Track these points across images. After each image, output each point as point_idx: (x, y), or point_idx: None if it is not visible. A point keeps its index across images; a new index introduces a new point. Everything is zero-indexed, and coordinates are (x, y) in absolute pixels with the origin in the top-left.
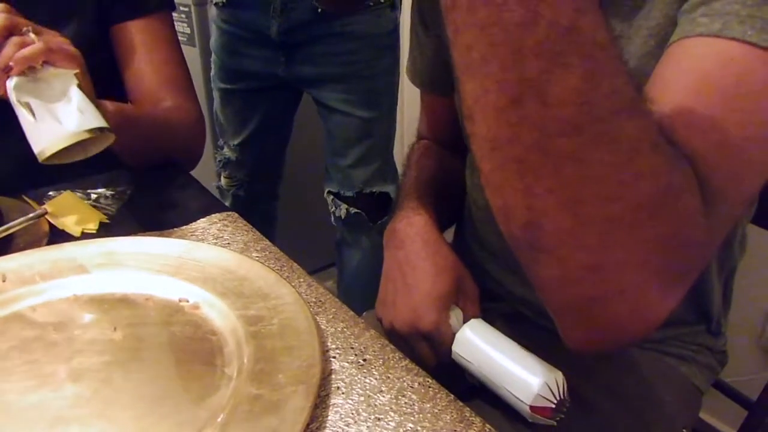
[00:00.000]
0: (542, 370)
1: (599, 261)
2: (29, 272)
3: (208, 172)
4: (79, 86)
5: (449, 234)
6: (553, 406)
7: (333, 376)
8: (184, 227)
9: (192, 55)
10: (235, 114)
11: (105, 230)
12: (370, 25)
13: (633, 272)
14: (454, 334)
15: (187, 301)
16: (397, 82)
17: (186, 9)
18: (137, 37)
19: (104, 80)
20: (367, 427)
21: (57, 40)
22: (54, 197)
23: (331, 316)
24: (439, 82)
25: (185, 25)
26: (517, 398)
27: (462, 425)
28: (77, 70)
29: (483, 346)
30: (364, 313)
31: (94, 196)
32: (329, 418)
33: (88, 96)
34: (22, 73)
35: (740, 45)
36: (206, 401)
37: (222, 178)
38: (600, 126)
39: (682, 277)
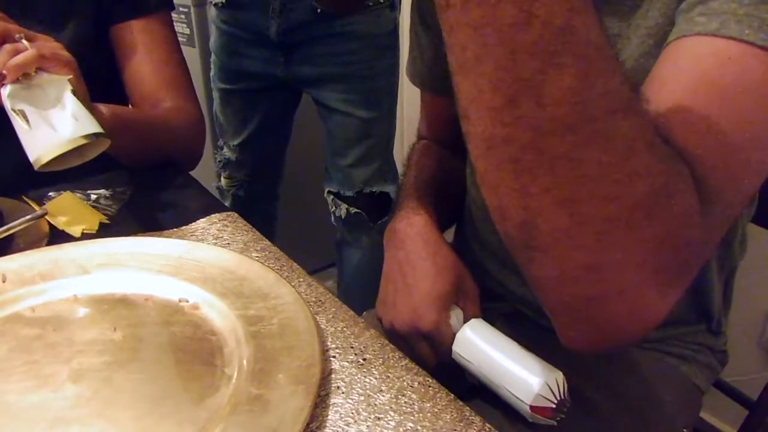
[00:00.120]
0: (542, 370)
1: (596, 261)
2: (29, 273)
3: (208, 173)
4: (74, 92)
5: (449, 234)
6: (554, 406)
7: (333, 376)
8: (184, 227)
9: (191, 55)
10: (235, 114)
11: (105, 231)
12: (369, 26)
13: (630, 272)
14: (454, 334)
15: (187, 302)
16: (397, 82)
17: (185, 10)
18: (137, 37)
19: (103, 81)
20: (367, 426)
21: (50, 45)
22: (54, 198)
23: (330, 316)
24: (439, 81)
25: (185, 25)
26: (518, 398)
27: (462, 425)
28: (71, 76)
29: (483, 346)
30: (364, 313)
31: (94, 196)
32: (329, 417)
33: (82, 101)
34: (16, 81)
35: (737, 44)
36: (206, 401)
37: (222, 178)
38: (595, 125)
39: (680, 277)
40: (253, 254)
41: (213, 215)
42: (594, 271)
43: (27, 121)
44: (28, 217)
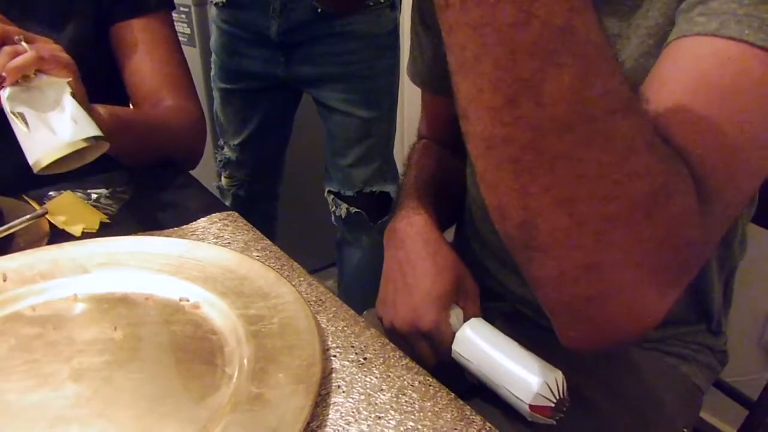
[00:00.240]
0: (542, 370)
1: (595, 260)
2: (30, 272)
3: (208, 172)
4: (73, 94)
5: (449, 233)
6: (553, 405)
7: (333, 375)
8: (185, 227)
9: (192, 55)
10: (236, 114)
11: (105, 230)
12: (369, 25)
13: (629, 271)
14: (454, 334)
15: (188, 301)
16: (397, 82)
17: (186, 9)
18: (137, 36)
19: (104, 81)
20: (368, 425)
21: (49, 47)
22: (54, 197)
23: (331, 315)
24: (440, 81)
25: (185, 25)
26: (517, 397)
27: (462, 424)
28: (70, 78)
29: (483, 345)
30: (365, 312)
31: (94, 196)
32: (330, 416)
33: (81, 103)
34: (15, 83)
35: (737, 44)
36: (207, 400)
37: (222, 177)
38: (594, 125)
39: (679, 277)
40: (253, 253)
41: (213, 214)
42: (593, 271)
43: (26, 123)
44: (28, 216)
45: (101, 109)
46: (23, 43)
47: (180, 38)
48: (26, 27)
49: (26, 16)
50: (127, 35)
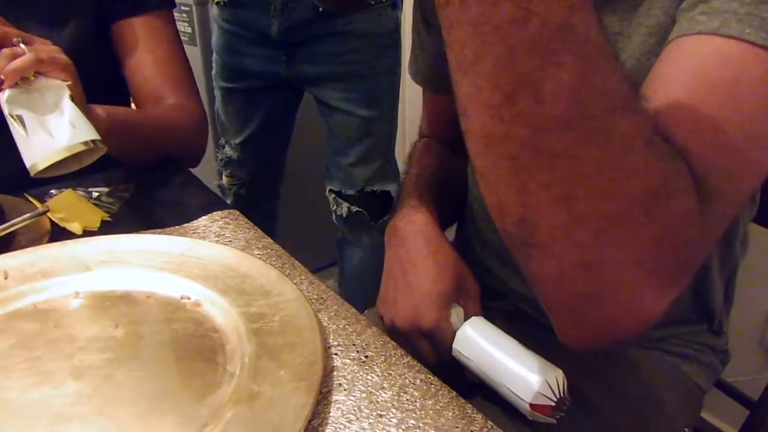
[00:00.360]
0: (542, 368)
1: (593, 258)
2: (31, 269)
3: (209, 171)
4: (72, 97)
5: (450, 232)
6: (553, 404)
7: (335, 373)
8: (186, 225)
9: (193, 54)
10: (237, 113)
11: (106, 228)
12: (371, 24)
13: (627, 270)
14: (454, 332)
15: (189, 299)
16: (399, 81)
17: (187, 8)
18: (138, 34)
19: (105, 79)
20: (369, 423)
21: (47, 49)
22: (56, 195)
23: (332, 314)
24: (441, 80)
25: (186, 24)
26: (517, 396)
27: (464, 422)
28: (69, 82)
29: (483, 344)
30: (366, 312)
31: (95, 194)
32: (331, 414)
33: (79, 105)
34: (14, 85)
35: (738, 43)
36: (208, 398)
37: (223, 176)
38: (593, 123)
39: (678, 276)
40: (254, 252)
41: (215, 213)
42: (591, 269)
43: (24, 126)
44: (29, 214)
45: (99, 110)
46: (22, 45)
47: (181, 37)
48: (26, 26)
49: (26, 16)
50: (128, 34)
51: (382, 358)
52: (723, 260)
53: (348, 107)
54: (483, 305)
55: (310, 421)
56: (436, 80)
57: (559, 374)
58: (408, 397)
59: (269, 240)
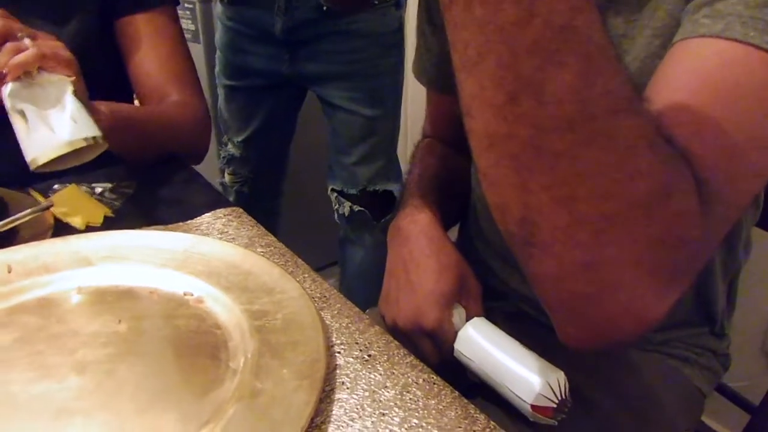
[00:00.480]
0: (544, 370)
1: (593, 258)
2: (34, 263)
3: (211, 169)
4: (74, 93)
5: (453, 232)
6: (555, 405)
7: (338, 371)
8: (189, 222)
9: (196, 51)
10: (240, 111)
11: (109, 224)
12: (375, 24)
13: (627, 270)
14: (456, 332)
15: (192, 295)
16: (402, 81)
17: (191, 6)
18: (141, 31)
19: (108, 76)
20: (372, 422)
21: (51, 44)
22: (59, 190)
23: (335, 312)
24: (445, 80)
25: (190, 21)
26: (519, 397)
27: (466, 422)
28: (73, 78)
29: (485, 345)
30: (367, 311)
31: (98, 190)
32: (334, 412)
33: (81, 100)
34: (17, 79)
35: (741, 46)
36: (210, 395)
37: (226, 174)
38: (595, 124)
39: (678, 277)
40: (258, 249)
41: (218, 210)
42: (592, 269)
43: (26, 121)
44: (33, 209)
45: (103, 106)
46: (26, 40)
47: (185, 34)
48: (30, 22)
49: (30, 12)
50: (131, 30)
51: (385, 357)
52: (725, 264)
53: (351, 106)
54: (485, 305)
55: (312, 419)
56: (441, 80)
57: (561, 375)
58: (411, 397)
59: (272, 238)
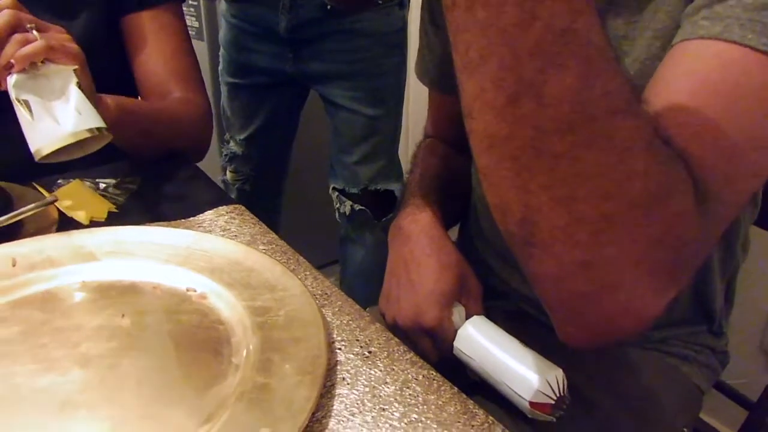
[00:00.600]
0: (542, 367)
1: (593, 258)
2: (39, 257)
3: (213, 167)
4: (78, 84)
5: (454, 232)
6: (553, 402)
7: (338, 367)
8: (192, 219)
9: (200, 49)
10: (242, 109)
11: (113, 219)
12: (378, 23)
13: (625, 270)
14: (456, 331)
15: (195, 291)
16: (404, 80)
17: (195, 3)
18: (147, 27)
19: (114, 72)
20: (372, 417)
21: (59, 36)
22: (63, 185)
23: (336, 309)
24: (447, 81)
25: (194, 19)
26: (518, 394)
27: (466, 417)
28: (77, 67)
29: (484, 343)
30: (368, 309)
31: (102, 185)
32: (335, 407)
33: (87, 93)
34: (23, 70)
35: (740, 48)
36: (213, 389)
37: (228, 172)
38: (594, 125)
39: (676, 276)
40: (260, 247)
41: (221, 207)
42: (591, 268)
43: (30, 111)
44: (38, 203)
45: (108, 98)
46: (34, 32)
47: (189, 32)
48: (38, 16)
49: (38, 6)
50: (136, 27)
51: (385, 353)
52: (724, 262)
53: (353, 105)
54: (485, 304)
55: (313, 414)
56: (443, 81)
57: (559, 373)
58: (411, 392)
59: (274, 235)
